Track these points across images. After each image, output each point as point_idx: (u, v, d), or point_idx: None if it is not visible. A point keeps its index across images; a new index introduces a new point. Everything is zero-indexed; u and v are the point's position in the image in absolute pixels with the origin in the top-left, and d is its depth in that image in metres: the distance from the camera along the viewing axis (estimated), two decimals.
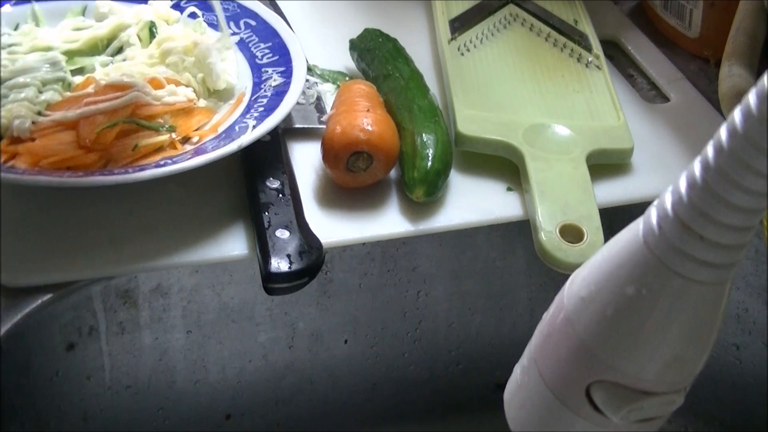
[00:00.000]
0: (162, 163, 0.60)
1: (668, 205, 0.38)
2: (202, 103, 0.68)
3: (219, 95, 0.69)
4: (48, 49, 0.68)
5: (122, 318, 0.62)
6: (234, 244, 0.60)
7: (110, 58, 0.70)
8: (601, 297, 0.40)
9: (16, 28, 0.70)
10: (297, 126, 0.70)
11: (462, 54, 0.76)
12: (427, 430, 0.75)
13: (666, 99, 0.78)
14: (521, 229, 0.64)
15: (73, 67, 0.68)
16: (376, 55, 0.74)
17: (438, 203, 0.65)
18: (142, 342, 0.64)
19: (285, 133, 0.68)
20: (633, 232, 0.39)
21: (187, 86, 0.67)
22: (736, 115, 0.35)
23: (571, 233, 0.60)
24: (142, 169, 0.59)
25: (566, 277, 0.43)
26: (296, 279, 0.57)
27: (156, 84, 0.66)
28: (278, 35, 0.72)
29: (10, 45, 0.68)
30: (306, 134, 0.70)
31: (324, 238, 0.59)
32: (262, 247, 0.58)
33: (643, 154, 0.69)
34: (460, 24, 0.79)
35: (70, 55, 0.69)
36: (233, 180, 0.64)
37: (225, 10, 0.75)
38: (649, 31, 0.85)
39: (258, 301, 0.65)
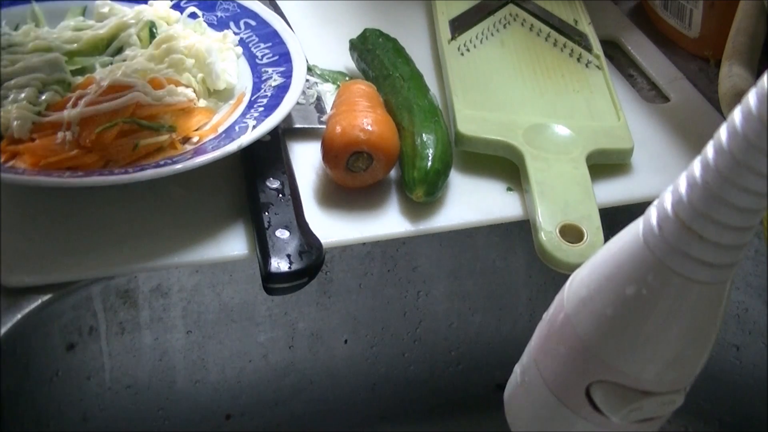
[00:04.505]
0: (162, 163, 0.60)
1: (668, 205, 0.38)
2: (202, 103, 0.68)
3: (219, 95, 0.69)
4: (48, 49, 0.68)
5: (122, 318, 0.62)
6: (234, 244, 0.60)
7: (110, 58, 0.70)
8: (601, 297, 0.40)
9: (16, 28, 0.70)
10: (297, 126, 0.70)
11: (462, 54, 0.76)
12: (427, 430, 0.75)
13: (666, 99, 0.78)
14: (521, 229, 0.64)
15: (73, 68, 0.68)
16: (376, 55, 0.74)
17: (438, 203, 0.65)
18: (142, 342, 0.64)
19: (285, 133, 0.68)
20: (633, 232, 0.39)
21: (187, 86, 0.67)
22: (736, 115, 0.35)
23: (571, 233, 0.60)
24: (142, 169, 0.59)
25: (566, 277, 0.43)
26: (296, 279, 0.57)
27: (156, 84, 0.66)
28: (278, 35, 0.72)
29: (11, 45, 0.68)
30: (306, 134, 0.70)
31: (324, 238, 0.59)
32: (262, 247, 0.58)
33: (643, 154, 0.69)
34: (460, 24, 0.79)
35: (71, 55, 0.69)
36: (233, 180, 0.64)
37: (225, 10, 0.75)
38: (649, 31, 0.85)
39: (258, 301, 0.65)
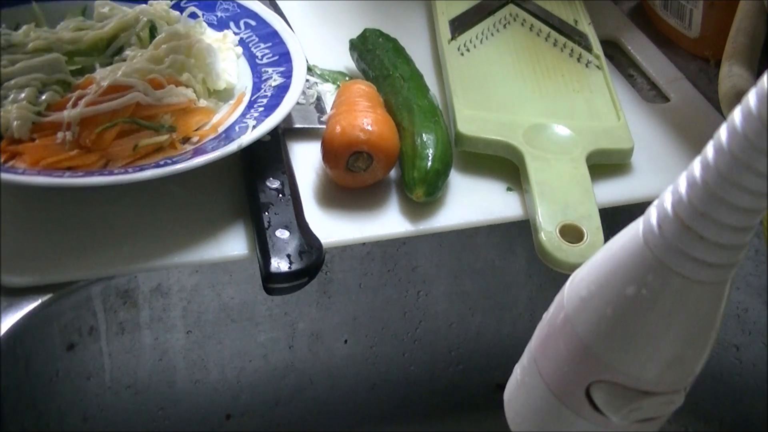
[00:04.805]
0: (162, 163, 0.60)
1: (668, 205, 0.38)
2: (202, 103, 0.68)
3: (219, 95, 0.69)
4: (48, 49, 0.68)
5: (122, 318, 0.62)
6: (234, 244, 0.60)
7: (110, 58, 0.70)
8: (601, 297, 0.40)
9: (16, 28, 0.70)
10: (297, 126, 0.70)
11: (462, 54, 0.76)
12: (427, 430, 0.75)
13: (666, 99, 0.78)
14: (521, 229, 0.64)
15: (73, 68, 0.68)
16: (376, 55, 0.74)
17: (438, 203, 0.65)
18: (142, 342, 0.64)
19: (285, 133, 0.68)
20: (633, 232, 0.39)
21: (187, 86, 0.67)
22: (736, 115, 0.35)
23: (571, 233, 0.60)
24: (142, 169, 0.59)
25: (566, 277, 0.43)
26: (296, 279, 0.57)
27: (156, 84, 0.66)
28: (278, 35, 0.72)
29: (11, 45, 0.68)
30: (306, 134, 0.70)
31: (324, 238, 0.59)
32: (262, 247, 0.58)
33: (643, 154, 0.69)
34: (460, 24, 0.79)
35: (71, 55, 0.69)
36: (233, 180, 0.64)
37: (225, 10, 0.75)
38: (649, 31, 0.85)
39: (258, 301, 0.65)
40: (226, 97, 0.69)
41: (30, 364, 0.59)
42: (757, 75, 0.66)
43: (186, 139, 0.65)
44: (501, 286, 0.71)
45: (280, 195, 0.61)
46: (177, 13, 0.74)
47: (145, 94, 0.64)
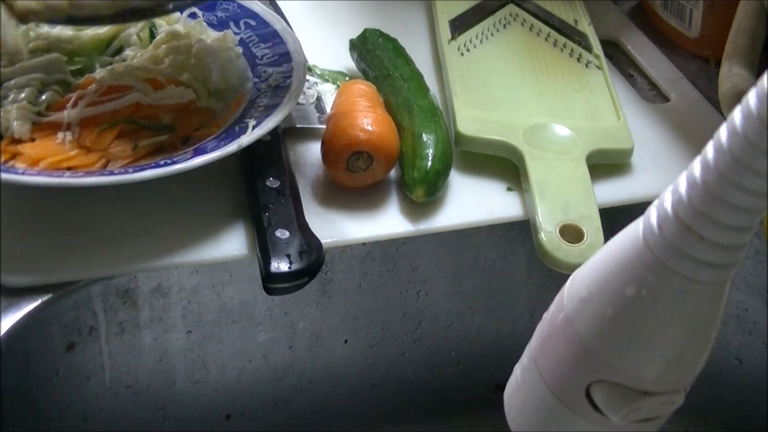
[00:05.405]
0: (162, 163, 0.60)
1: (668, 205, 0.38)
2: (202, 103, 0.68)
3: (219, 95, 0.69)
4: (48, 49, 0.68)
5: (122, 318, 0.62)
6: (234, 244, 0.60)
7: (110, 58, 0.70)
8: (601, 297, 0.40)
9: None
10: (297, 126, 0.70)
11: (462, 54, 0.76)
12: (427, 430, 0.75)
13: (666, 99, 0.78)
14: (521, 229, 0.64)
15: (73, 68, 0.68)
16: (376, 55, 0.74)
17: (438, 203, 0.65)
18: (142, 342, 0.64)
19: (285, 133, 0.68)
20: (633, 232, 0.39)
21: (187, 86, 0.67)
22: (736, 115, 0.35)
23: (571, 233, 0.60)
24: (142, 169, 0.59)
25: (566, 277, 0.43)
26: (296, 279, 0.57)
27: (156, 84, 0.66)
28: (278, 35, 0.72)
29: None
30: (306, 134, 0.70)
31: (324, 238, 0.59)
32: (262, 247, 0.58)
33: (643, 154, 0.69)
34: (460, 24, 0.79)
35: (71, 55, 0.69)
36: (233, 180, 0.64)
37: (225, 10, 0.75)
38: (649, 31, 0.85)
39: (258, 301, 0.65)
40: (226, 97, 0.69)
41: (30, 364, 0.59)
42: (757, 75, 0.66)
43: (186, 139, 0.65)
44: (501, 286, 0.71)
45: (280, 195, 0.61)
46: (177, 13, 0.74)
47: (145, 94, 0.64)
